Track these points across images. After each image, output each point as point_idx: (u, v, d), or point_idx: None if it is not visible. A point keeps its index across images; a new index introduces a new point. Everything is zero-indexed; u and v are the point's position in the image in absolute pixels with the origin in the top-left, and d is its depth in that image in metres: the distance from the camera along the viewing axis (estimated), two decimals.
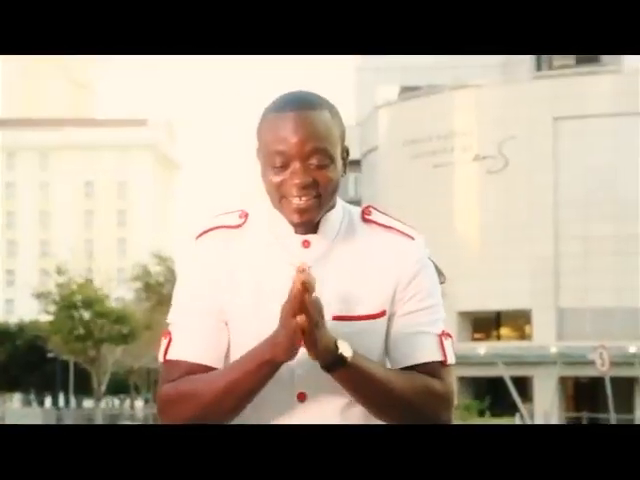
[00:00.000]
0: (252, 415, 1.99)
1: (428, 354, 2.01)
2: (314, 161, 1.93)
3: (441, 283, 2.09)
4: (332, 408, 1.99)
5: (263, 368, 1.88)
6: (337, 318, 1.95)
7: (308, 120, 1.93)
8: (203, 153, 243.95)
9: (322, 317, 1.83)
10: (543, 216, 42.23)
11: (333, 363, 1.88)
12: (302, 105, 1.95)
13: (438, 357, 2.02)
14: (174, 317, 2.03)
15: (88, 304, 41.77)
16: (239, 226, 2.04)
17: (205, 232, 2.04)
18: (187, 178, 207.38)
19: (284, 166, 1.93)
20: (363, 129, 48.13)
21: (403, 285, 2.02)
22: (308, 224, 1.97)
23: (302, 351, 1.87)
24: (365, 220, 2.07)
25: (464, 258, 41.82)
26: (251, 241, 2.02)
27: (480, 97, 44.58)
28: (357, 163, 48.76)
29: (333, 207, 2.03)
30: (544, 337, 41.10)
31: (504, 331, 45.56)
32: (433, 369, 2.01)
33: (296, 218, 1.94)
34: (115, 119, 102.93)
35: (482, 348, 40.99)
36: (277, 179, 1.94)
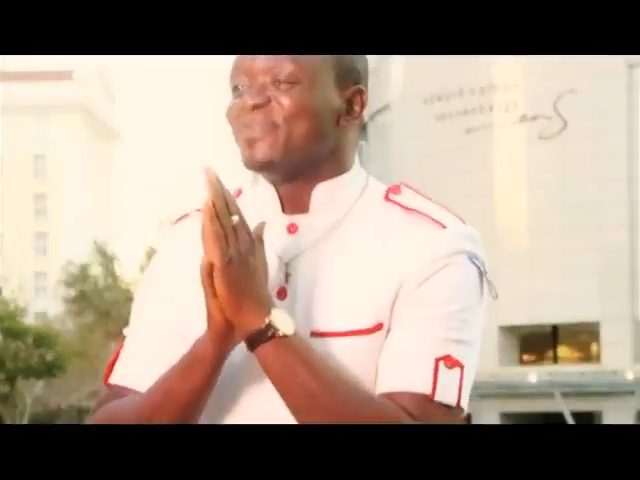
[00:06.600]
0: None
1: (404, 381, 1.58)
2: (268, 78, 1.63)
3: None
4: None
5: (197, 363, 1.62)
6: (317, 334, 1.62)
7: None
8: (150, 116, 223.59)
9: (253, 255, 1.56)
10: (616, 195, 35.40)
11: (257, 334, 1.55)
12: None
13: (420, 388, 1.57)
14: (129, 329, 1.90)
15: None
16: None
17: (184, 216, 1.80)
18: (130, 149, 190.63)
19: (235, 89, 1.68)
20: (369, 83, 40.68)
21: (411, 287, 1.59)
22: (266, 168, 1.65)
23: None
24: (388, 200, 1.68)
25: (508, 253, 35.14)
26: None
27: None
28: (362, 128, 40.98)
29: (337, 173, 1.68)
30: (617, 359, 34.69)
31: (562, 351, 39.39)
32: (409, 402, 1.55)
33: (247, 155, 1.63)
34: (30, 71, 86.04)
35: (533, 374, 34.47)
36: (230, 109, 1.67)
